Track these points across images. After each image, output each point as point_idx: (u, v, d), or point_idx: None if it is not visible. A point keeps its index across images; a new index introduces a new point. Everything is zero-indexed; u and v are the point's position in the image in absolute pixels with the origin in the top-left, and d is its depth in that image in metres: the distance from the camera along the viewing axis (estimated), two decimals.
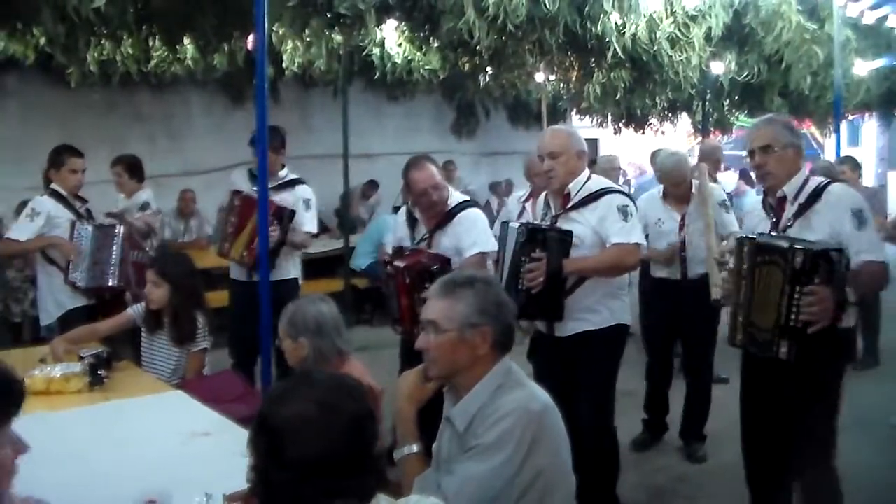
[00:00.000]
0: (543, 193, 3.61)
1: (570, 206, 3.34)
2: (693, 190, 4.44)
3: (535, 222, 3.52)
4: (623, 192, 3.42)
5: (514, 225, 3.33)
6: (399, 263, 3.63)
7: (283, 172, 4.69)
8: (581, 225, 3.29)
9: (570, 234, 3.24)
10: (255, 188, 4.44)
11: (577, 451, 3.41)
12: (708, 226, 4.32)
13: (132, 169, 5.38)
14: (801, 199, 2.81)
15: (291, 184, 4.70)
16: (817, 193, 2.79)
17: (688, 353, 4.63)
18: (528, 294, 3.16)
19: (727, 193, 5.73)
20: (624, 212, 3.28)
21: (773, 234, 2.82)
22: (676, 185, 4.43)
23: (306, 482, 1.44)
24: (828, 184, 2.83)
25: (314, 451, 1.45)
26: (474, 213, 3.84)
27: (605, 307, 3.31)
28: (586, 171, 3.40)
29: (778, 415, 2.86)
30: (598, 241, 3.27)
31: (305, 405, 1.48)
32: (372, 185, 10.12)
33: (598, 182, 3.40)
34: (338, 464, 1.46)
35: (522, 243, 3.18)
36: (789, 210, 2.84)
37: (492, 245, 3.71)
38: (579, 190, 3.34)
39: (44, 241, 4.50)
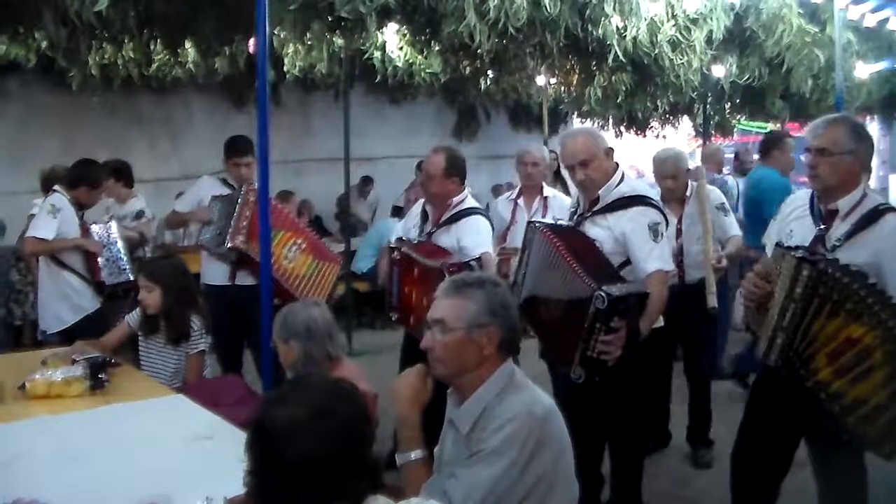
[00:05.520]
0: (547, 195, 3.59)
1: (596, 208, 3.21)
2: (688, 192, 4.39)
3: (560, 222, 3.41)
4: (655, 205, 3.24)
5: (602, 293, 2.75)
6: (432, 263, 3.58)
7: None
8: (603, 230, 3.17)
9: (647, 295, 2.97)
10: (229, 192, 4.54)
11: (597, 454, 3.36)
12: (706, 231, 4.27)
13: (118, 173, 5.40)
14: (854, 217, 2.67)
15: None
16: (873, 218, 2.65)
17: (688, 359, 4.60)
18: (597, 360, 2.83)
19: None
20: (655, 231, 3.12)
21: (827, 256, 2.60)
22: (664, 177, 4.35)
23: (299, 486, 1.44)
24: (886, 210, 2.67)
25: (306, 455, 1.45)
26: (480, 219, 3.93)
27: None
28: (619, 171, 3.26)
29: (791, 429, 2.83)
30: (618, 249, 3.14)
31: (298, 409, 1.48)
32: (366, 181, 10.14)
33: (631, 186, 3.27)
34: (330, 468, 1.46)
35: (601, 311, 2.75)
36: (839, 226, 2.69)
37: (491, 233, 3.92)
38: (610, 192, 3.20)
39: (71, 242, 4.51)
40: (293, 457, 1.44)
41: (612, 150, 3.26)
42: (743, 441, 2.98)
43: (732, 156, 8.73)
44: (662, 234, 3.16)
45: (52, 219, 4.44)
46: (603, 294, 2.73)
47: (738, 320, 6.91)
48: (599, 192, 3.20)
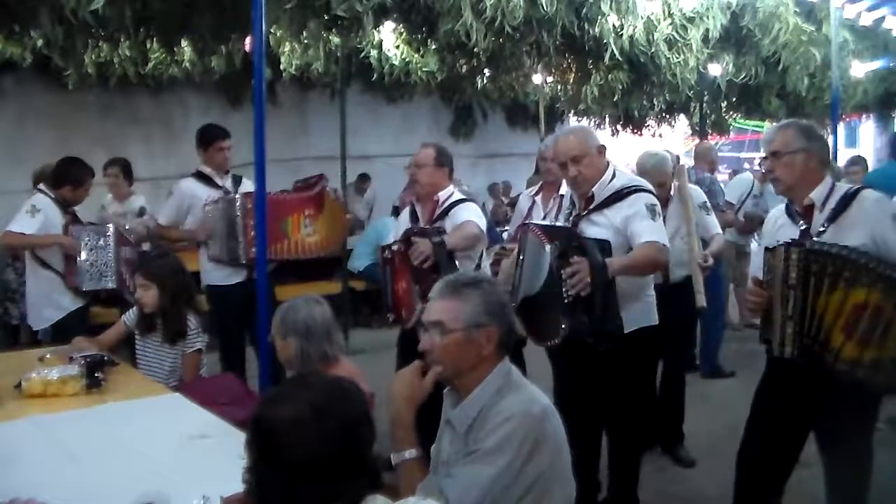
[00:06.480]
0: (563, 192, 3.61)
1: (592, 207, 3.22)
2: (672, 192, 4.34)
3: (557, 223, 3.42)
4: (650, 191, 3.28)
5: (553, 244, 2.94)
6: (396, 247, 3.71)
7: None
8: (601, 227, 3.17)
9: (607, 242, 3.06)
10: (219, 194, 4.59)
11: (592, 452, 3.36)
12: (691, 231, 4.21)
13: (127, 171, 5.42)
14: (831, 205, 2.73)
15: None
16: (848, 200, 2.70)
17: (667, 357, 4.52)
18: (577, 301, 2.88)
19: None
20: (653, 210, 3.17)
21: (819, 241, 2.66)
22: (659, 183, 4.33)
23: (298, 485, 1.44)
24: (857, 190, 2.75)
25: (306, 454, 1.45)
26: (470, 204, 3.94)
27: (634, 309, 3.22)
28: (610, 167, 3.28)
29: (798, 427, 2.83)
30: (621, 243, 3.14)
31: (298, 408, 1.48)
32: (363, 178, 10.14)
33: (625, 179, 3.28)
34: (330, 467, 1.46)
35: (557, 258, 2.89)
36: (819, 217, 2.74)
37: (484, 224, 3.93)
38: (604, 189, 3.22)
39: (49, 238, 4.49)
40: (293, 455, 1.44)
41: (604, 147, 3.30)
42: (749, 439, 2.98)
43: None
44: (659, 213, 3.21)
45: (30, 218, 4.42)
46: (554, 243, 2.91)
47: (734, 320, 6.96)
48: (593, 189, 3.22)
